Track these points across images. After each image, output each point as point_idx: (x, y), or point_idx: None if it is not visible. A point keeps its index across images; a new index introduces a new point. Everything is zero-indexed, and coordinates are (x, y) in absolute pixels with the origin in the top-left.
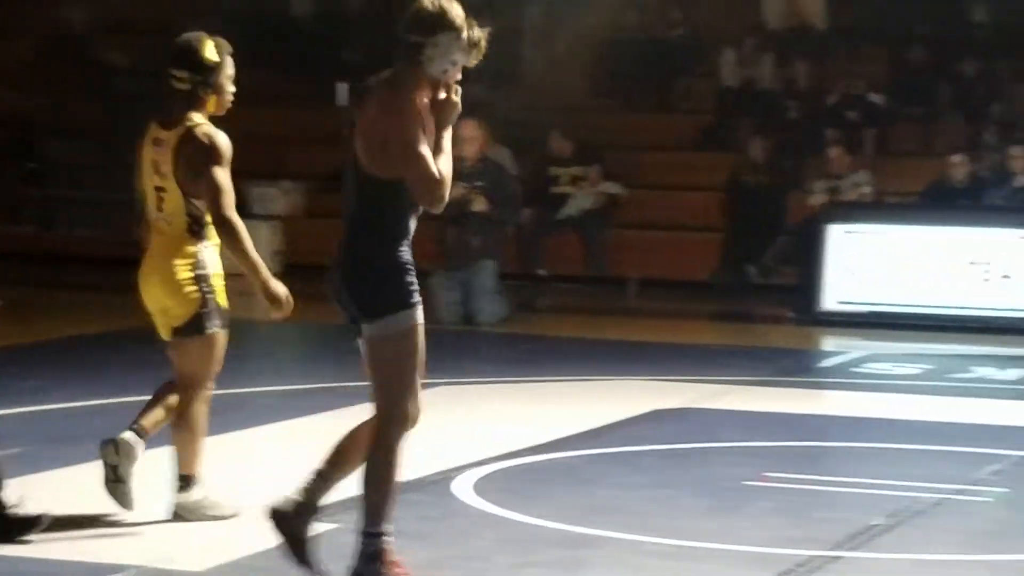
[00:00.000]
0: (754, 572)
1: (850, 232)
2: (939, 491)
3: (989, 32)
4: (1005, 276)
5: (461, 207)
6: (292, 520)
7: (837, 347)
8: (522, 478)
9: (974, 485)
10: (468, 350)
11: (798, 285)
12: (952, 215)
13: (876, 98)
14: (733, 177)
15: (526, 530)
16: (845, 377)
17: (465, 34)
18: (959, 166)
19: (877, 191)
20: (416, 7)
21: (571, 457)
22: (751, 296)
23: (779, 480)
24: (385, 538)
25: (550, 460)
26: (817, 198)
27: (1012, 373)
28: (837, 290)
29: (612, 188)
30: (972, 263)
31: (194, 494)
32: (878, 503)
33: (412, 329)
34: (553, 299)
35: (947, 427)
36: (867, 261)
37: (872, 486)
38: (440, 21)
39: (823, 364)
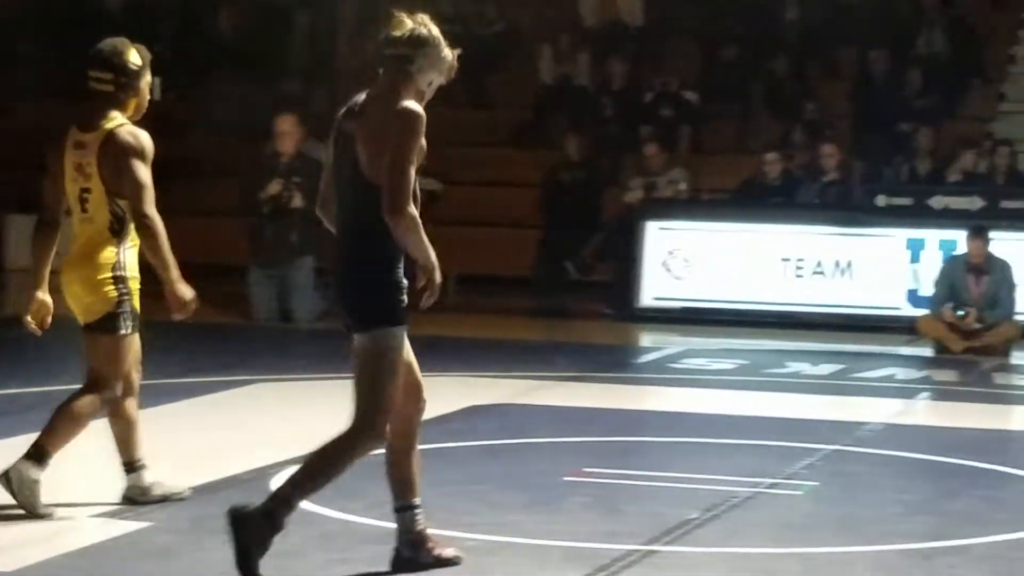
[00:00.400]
0: (569, 568)
1: (665, 229)
2: (753, 485)
3: (800, 31)
4: (817, 272)
5: (278, 203)
6: (254, 525)
7: (654, 343)
8: None
9: (787, 479)
10: (285, 347)
11: (615, 282)
12: (765, 212)
13: (690, 96)
14: (550, 174)
15: (342, 526)
16: (661, 373)
17: (445, 51)
18: (772, 164)
19: (692, 188)
20: (402, 22)
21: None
22: (568, 292)
23: (595, 475)
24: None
25: (366, 457)
26: (633, 195)
27: (825, 368)
28: (653, 287)
29: (429, 184)
30: (785, 259)
31: (144, 478)
32: (693, 498)
33: (399, 348)
34: None
35: (761, 422)
36: (682, 258)
37: (688, 481)
38: (428, 36)
39: (640, 360)
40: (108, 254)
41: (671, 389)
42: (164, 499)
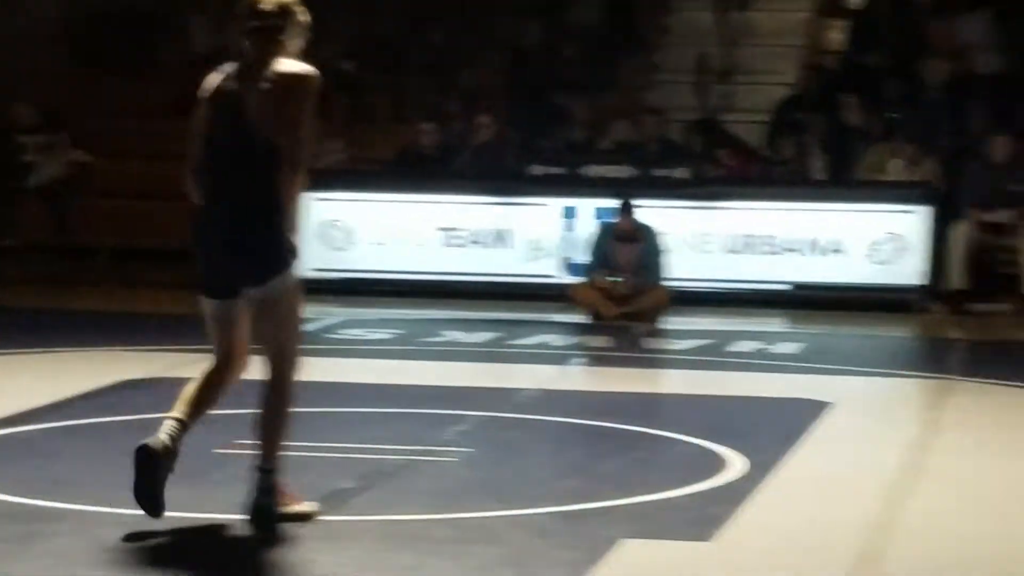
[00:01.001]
0: (220, 540)
1: (324, 200)
2: (407, 453)
3: (455, 1)
4: (475, 241)
5: None
6: (159, 461)
7: (313, 314)
8: None
9: (440, 446)
10: None
11: None
12: (422, 182)
13: (347, 65)
14: None
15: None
16: (320, 344)
17: (302, 15)
18: (428, 134)
19: (350, 158)
20: None
21: (33, 431)
22: None
23: (248, 448)
24: (278, 473)
25: (10, 435)
26: None
27: (479, 336)
28: (312, 258)
29: (81, 156)
30: (442, 229)
31: None
32: (348, 467)
33: (300, 284)
34: (21, 269)
35: (418, 390)
36: (342, 229)
37: (342, 450)
38: (293, 4)
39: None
40: None
41: (329, 360)
42: None
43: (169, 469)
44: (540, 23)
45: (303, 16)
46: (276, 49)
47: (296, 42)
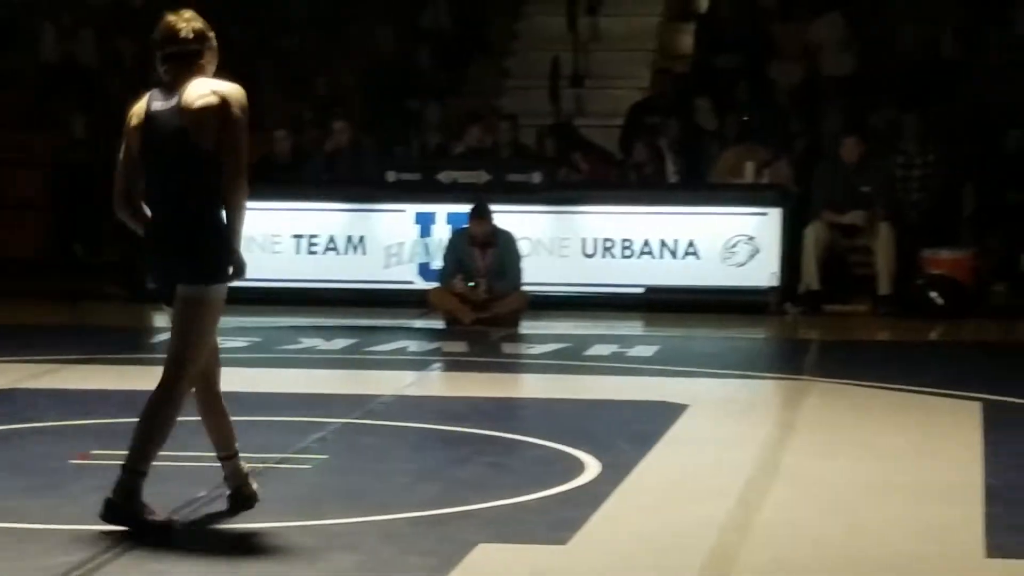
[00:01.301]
0: (75, 550)
1: None
2: (262, 461)
3: (308, 7)
4: (330, 248)
5: None
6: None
7: (165, 323)
8: None
9: (297, 454)
10: None
11: (125, 262)
12: (277, 190)
13: None
14: (57, 154)
15: None
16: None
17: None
18: (282, 141)
19: None
20: (180, 21)
21: None
22: (79, 274)
23: (103, 458)
24: (143, 478)
25: None
26: None
27: (338, 343)
28: None
29: None
30: (297, 236)
31: None
32: (203, 475)
33: (222, 302)
34: None
35: (274, 398)
36: None
37: (200, 459)
38: (206, 29)
39: (151, 341)
40: None
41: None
42: None
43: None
44: (393, 29)
45: (214, 40)
46: (196, 72)
47: (212, 65)
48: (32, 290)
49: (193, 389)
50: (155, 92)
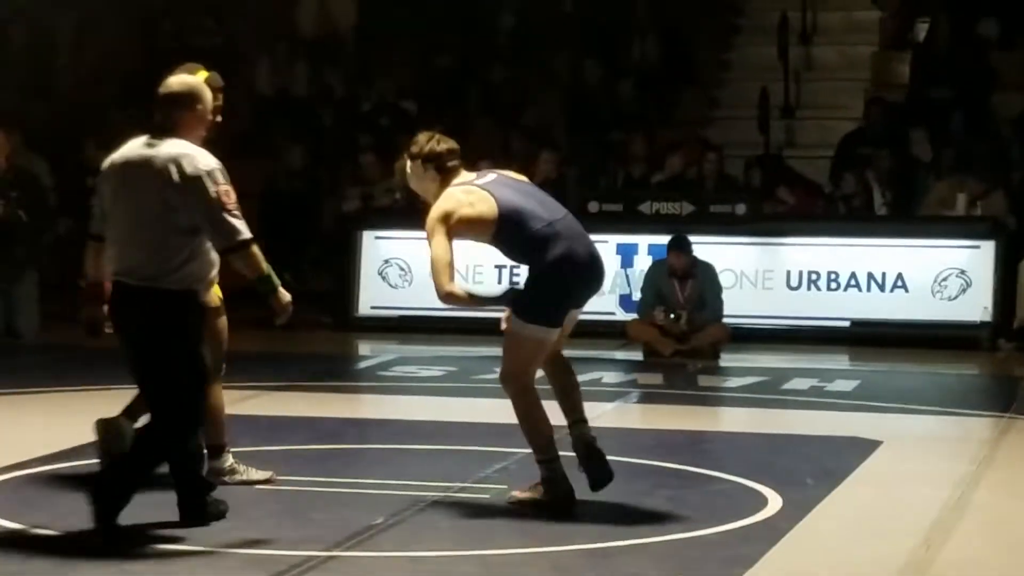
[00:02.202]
0: (248, 574)
1: (382, 238)
2: (443, 489)
3: (515, 38)
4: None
5: (2, 220)
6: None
7: (370, 351)
8: (32, 487)
9: (477, 483)
10: (15, 361)
11: (333, 291)
12: None
13: (408, 105)
14: (269, 184)
15: (22, 538)
16: (372, 380)
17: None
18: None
19: (408, 198)
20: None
21: (86, 465)
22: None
23: (289, 483)
24: (554, 463)
25: (65, 468)
26: (350, 204)
27: None
28: (370, 296)
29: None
30: (499, 266)
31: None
32: (382, 503)
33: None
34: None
35: (464, 427)
36: (399, 267)
37: (380, 487)
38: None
39: (354, 368)
40: None
41: (379, 396)
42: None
43: None
44: (599, 60)
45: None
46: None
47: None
48: (241, 318)
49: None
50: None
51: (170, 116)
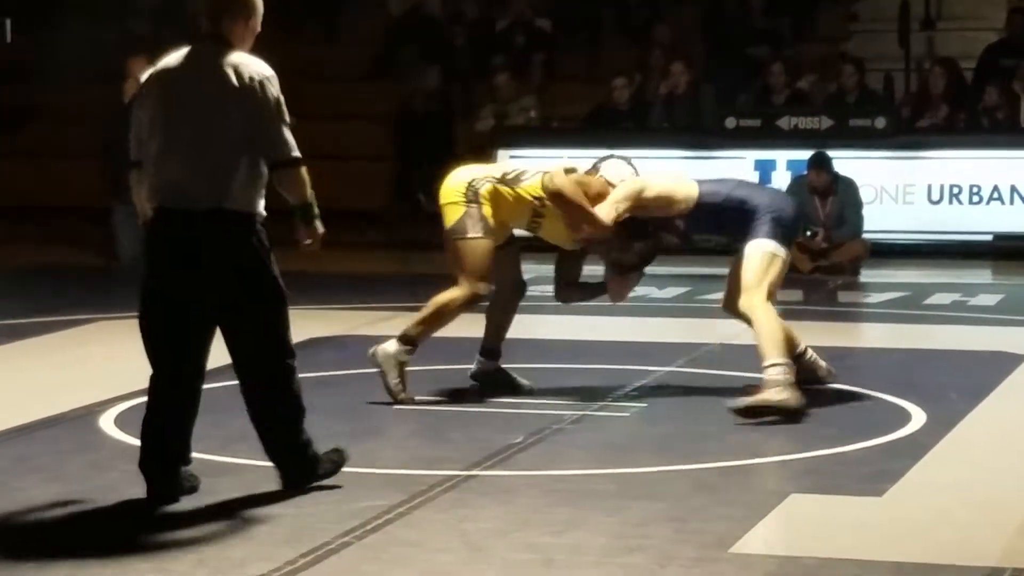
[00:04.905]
0: (386, 494)
1: (516, 157)
2: (582, 408)
3: None
4: None
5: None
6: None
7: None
8: None
9: (616, 401)
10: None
11: None
12: (616, 138)
13: (543, 23)
14: (403, 106)
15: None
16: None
17: None
18: (621, 89)
19: (544, 116)
20: None
21: (214, 388)
22: (423, 224)
23: (427, 404)
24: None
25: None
26: (484, 124)
27: (670, 291)
28: None
29: None
30: None
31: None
32: (521, 422)
33: None
34: None
35: (602, 346)
36: None
37: (519, 406)
38: None
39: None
40: None
41: (516, 316)
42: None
43: None
44: None
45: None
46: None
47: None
48: (377, 241)
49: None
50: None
51: (219, 25)
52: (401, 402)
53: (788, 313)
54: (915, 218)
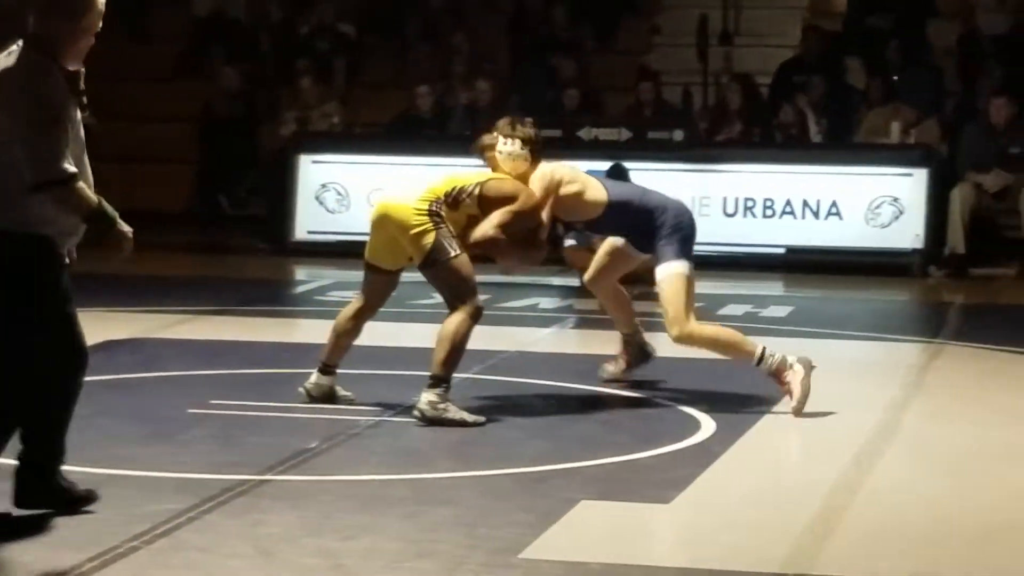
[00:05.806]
0: (178, 498)
1: (319, 162)
2: (378, 414)
3: None
4: None
5: None
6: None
7: (306, 276)
8: None
9: (411, 408)
10: None
11: (269, 215)
12: (418, 145)
13: (347, 29)
14: (206, 107)
15: None
16: (307, 305)
17: None
18: (424, 97)
19: (347, 122)
20: None
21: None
22: (224, 227)
23: (222, 408)
24: None
25: None
26: (287, 128)
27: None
28: (307, 220)
29: (85, 120)
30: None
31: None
32: (316, 427)
33: None
34: None
35: (400, 352)
36: (335, 191)
37: (314, 411)
38: None
39: (289, 293)
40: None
41: (313, 321)
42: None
43: None
44: None
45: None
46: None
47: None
48: (177, 243)
49: None
50: None
51: (38, 24)
52: (475, 423)
53: (582, 322)
54: (710, 230)
